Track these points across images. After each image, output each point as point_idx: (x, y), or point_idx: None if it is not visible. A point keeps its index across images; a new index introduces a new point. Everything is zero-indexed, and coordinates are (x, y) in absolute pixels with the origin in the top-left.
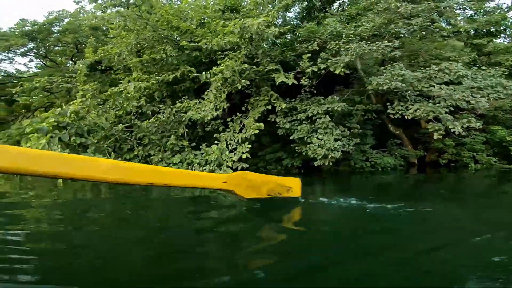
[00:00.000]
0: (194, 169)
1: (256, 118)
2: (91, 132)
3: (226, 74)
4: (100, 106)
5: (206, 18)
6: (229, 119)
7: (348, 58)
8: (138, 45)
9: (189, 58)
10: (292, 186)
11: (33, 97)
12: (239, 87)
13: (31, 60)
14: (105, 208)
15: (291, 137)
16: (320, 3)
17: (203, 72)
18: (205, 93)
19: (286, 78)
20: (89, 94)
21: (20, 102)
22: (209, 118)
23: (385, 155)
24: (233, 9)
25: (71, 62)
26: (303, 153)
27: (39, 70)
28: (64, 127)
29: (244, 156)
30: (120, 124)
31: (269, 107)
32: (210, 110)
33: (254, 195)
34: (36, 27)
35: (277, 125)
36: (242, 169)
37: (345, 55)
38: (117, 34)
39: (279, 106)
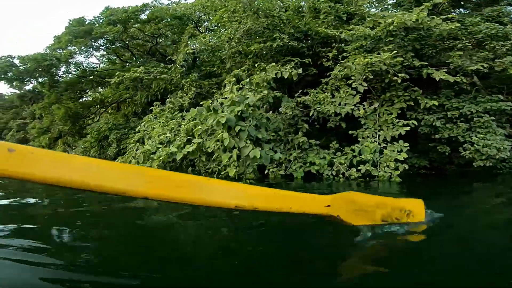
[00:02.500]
0: (338, 171)
1: (396, 115)
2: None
3: (380, 66)
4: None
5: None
6: (361, 114)
7: None
8: (247, 34)
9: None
10: (413, 209)
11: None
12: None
13: (102, 55)
14: None
15: (436, 136)
16: None
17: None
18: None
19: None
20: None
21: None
22: (348, 113)
23: None
24: None
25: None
26: (447, 153)
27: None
28: (243, 119)
29: (400, 156)
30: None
31: (405, 104)
32: (351, 105)
33: (365, 222)
34: (125, 14)
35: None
36: (404, 170)
37: None
38: (219, 22)
39: (425, 103)
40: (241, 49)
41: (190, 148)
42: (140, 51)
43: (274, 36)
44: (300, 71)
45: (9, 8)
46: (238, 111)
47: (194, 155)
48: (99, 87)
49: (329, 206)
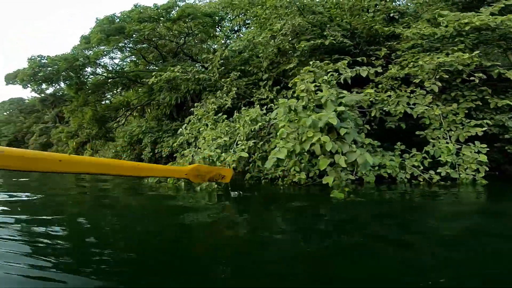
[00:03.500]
0: (412, 174)
1: (463, 115)
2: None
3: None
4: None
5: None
6: (437, 114)
7: None
8: (293, 31)
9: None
10: (226, 174)
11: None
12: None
13: (125, 56)
14: None
15: (506, 136)
16: None
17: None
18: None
19: None
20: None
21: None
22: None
23: None
24: None
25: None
26: None
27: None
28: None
29: (482, 158)
30: None
31: (473, 104)
32: (422, 105)
33: (200, 181)
34: (156, 11)
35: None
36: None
37: None
38: (262, 17)
39: (495, 102)
40: (287, 47)
41: (280, 154)
42: (164, 51)
43: (324, 33)
44: (372, 71)
45: (9, 8)
46: (340, 111)
47: (281, 161)
48: (125, 89)
49: (186, 174)
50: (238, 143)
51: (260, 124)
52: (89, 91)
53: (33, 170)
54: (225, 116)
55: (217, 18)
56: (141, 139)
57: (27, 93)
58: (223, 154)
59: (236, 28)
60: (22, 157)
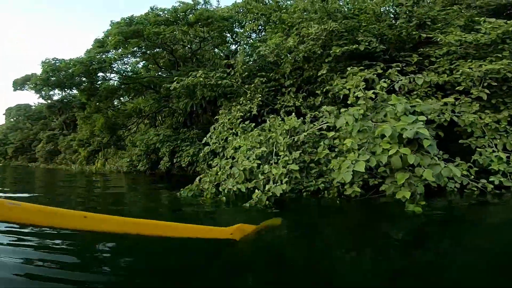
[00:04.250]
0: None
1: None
2: None
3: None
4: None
5: None
6: (488, 122)
7: None
8: (326, 36)
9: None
10: (275, 223)
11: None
12: None
13: (137, 62)
14: None
15: None
16: None
17: None
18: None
19: None
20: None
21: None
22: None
23: None
24: None
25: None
26: None
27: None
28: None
29: None
30: None
31: None
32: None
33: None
34: (174, 14)
35: None
36: None
37: None
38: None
39: None
40: (318, 52)
41: (358, 166)
42: (175, 56)
43: (358, 39)
44: (428, 79)
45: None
46: (422, 121)
47: (357, 174)
48: (137, 96)
49: (232, 234)
50: (280, 154)
51: (305, 134)
52: (101, 97)
53: (52, 226)
54: (253, 124)
55: (234, 22)
56: (158, 148)
57: (34, 99)
58: (266, 166)
59: (248, 34)
60: (40, 211)
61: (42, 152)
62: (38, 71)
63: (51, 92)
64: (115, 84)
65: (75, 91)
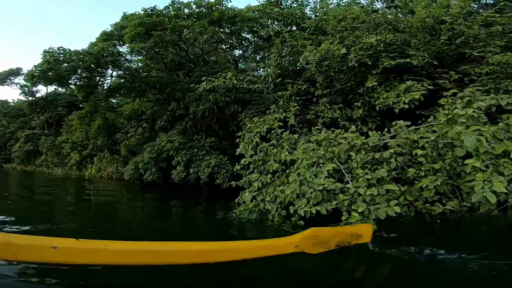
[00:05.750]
0: None
1: None
2: None
3: None
4: None
5: None
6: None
7: None
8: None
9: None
10: (363, 232)
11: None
12: None
13: (143, 59)
14: None
15: None
16: None
17: None
18: None
19: None
20: None
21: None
22: None
23: None
24: None
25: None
26: None
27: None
28: None
29: None
30: None
31: None
32: None
33: (322, 250)
34: (200, 9)
35: None
36: None
37: None
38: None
39: None
40: (369, 63)
41: (497, 186)
42: (189, 56)
43: (410, 53)
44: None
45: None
46: None
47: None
48: (138, 97)
49: (297, 246)
50: (357, 172)
51: (391, 151)
52: (101, 96)
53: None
54: (295, 136)
55: (260, 24)
56: (171, 156)
57: (14, 95)
58: (349, 185)
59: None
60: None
61: (19, 153)
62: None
63: (35, 89)
64: (120, 82)
65: (61, 89)
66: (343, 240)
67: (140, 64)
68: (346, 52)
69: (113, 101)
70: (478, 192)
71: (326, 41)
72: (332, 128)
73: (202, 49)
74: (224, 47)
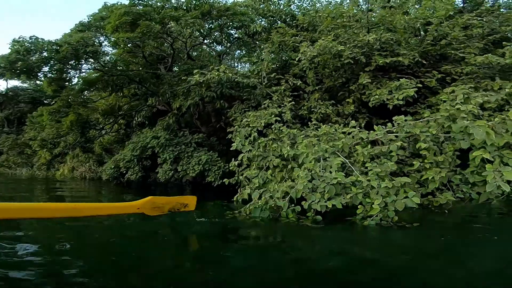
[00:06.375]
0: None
1: None
2: None
3: None
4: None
5: None
6: None
7: None
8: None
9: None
10: (189, 202)
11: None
12: None
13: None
14: None
15: None
16: None
17: None
18: None
19: None
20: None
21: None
22: None
23: None
24: None
25: None
26: None
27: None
28: None
29: None
30: None
31: None
32: None
33: (158, 213)
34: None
35: None
36: None
37: None
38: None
39: None
40: (363, 60)
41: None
42: (174, 50)
43: (400, 52)
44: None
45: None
46: None
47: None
48: (114, 92)
49: (139, 208)
50: (359, 166)
51: (398, 144)
52: (74, 90)
53: None
54: (294, 130)
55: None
56: (156, 153)
57: None
58: (361, 178)
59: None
60: None
61: None
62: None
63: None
64: (97, 75)
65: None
66: (174, 207)
67: (114, 57)
68: (342, 49)
69: (86, 95)
70: (491, 182)
71: (323, 38)
72: (329, 123)
73: (186, 43)
74: (208, 41)
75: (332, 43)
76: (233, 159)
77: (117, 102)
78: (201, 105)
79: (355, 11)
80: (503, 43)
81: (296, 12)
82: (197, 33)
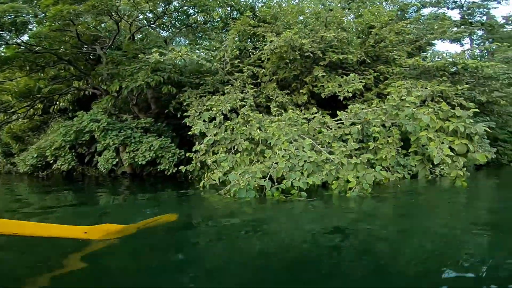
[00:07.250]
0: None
1: None
2: None
3: None
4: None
5: None
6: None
7: None
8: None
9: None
10: (169, 219)
11: None
12: None
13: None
14: None
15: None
16: None
17: None
18: None
19: None
20: None
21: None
22: None
23: None
24: None
25: None
26: None
27: None
28: None
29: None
30: None
31: None
32: None
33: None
34: None
35: None
36: None
37: None
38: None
39: None
40: (320, 54)
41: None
42: (119, 28)
43: (350, 50)
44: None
45: None
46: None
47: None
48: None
49: (85, 233)
50: (332, 145)
51: (359, 127)
52: None
53: None
54: (260, 115)
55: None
56: (94, 139)
57: None
58: (334, 156)
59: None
60: None
61: None
62: None
63: None
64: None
65: None
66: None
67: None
68: (305, 42)
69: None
70: (436, 156)
71: (288, 31)
72: (290, 110)
73: (130, 24)
74: (155, 25)
75: (295, 36)
76: (196, 143)
77: (36, 83)
78: (142, 90)
79: (320, 10)
80: (427, 47)
81: (256, 5)
82: (148, 15)
